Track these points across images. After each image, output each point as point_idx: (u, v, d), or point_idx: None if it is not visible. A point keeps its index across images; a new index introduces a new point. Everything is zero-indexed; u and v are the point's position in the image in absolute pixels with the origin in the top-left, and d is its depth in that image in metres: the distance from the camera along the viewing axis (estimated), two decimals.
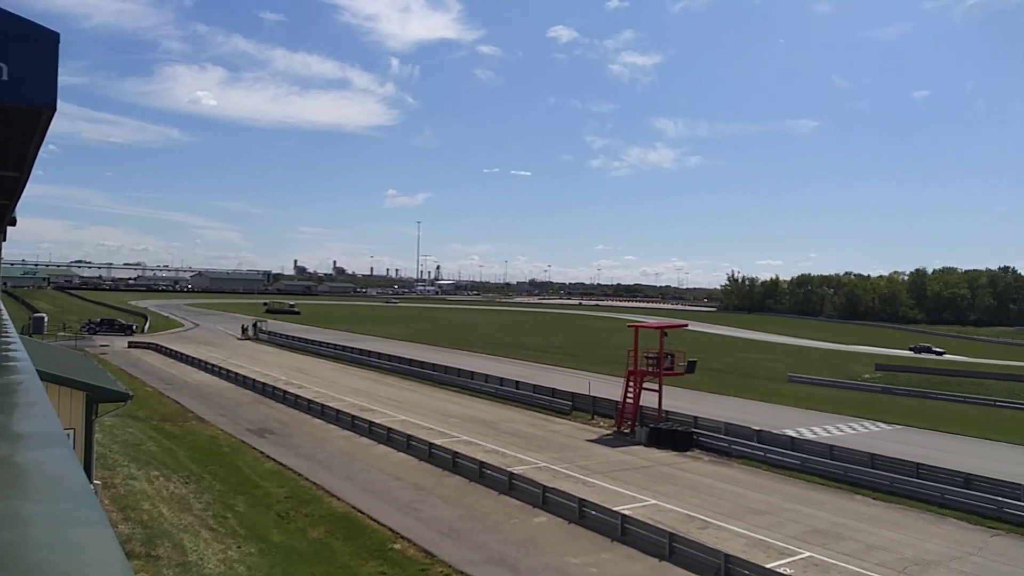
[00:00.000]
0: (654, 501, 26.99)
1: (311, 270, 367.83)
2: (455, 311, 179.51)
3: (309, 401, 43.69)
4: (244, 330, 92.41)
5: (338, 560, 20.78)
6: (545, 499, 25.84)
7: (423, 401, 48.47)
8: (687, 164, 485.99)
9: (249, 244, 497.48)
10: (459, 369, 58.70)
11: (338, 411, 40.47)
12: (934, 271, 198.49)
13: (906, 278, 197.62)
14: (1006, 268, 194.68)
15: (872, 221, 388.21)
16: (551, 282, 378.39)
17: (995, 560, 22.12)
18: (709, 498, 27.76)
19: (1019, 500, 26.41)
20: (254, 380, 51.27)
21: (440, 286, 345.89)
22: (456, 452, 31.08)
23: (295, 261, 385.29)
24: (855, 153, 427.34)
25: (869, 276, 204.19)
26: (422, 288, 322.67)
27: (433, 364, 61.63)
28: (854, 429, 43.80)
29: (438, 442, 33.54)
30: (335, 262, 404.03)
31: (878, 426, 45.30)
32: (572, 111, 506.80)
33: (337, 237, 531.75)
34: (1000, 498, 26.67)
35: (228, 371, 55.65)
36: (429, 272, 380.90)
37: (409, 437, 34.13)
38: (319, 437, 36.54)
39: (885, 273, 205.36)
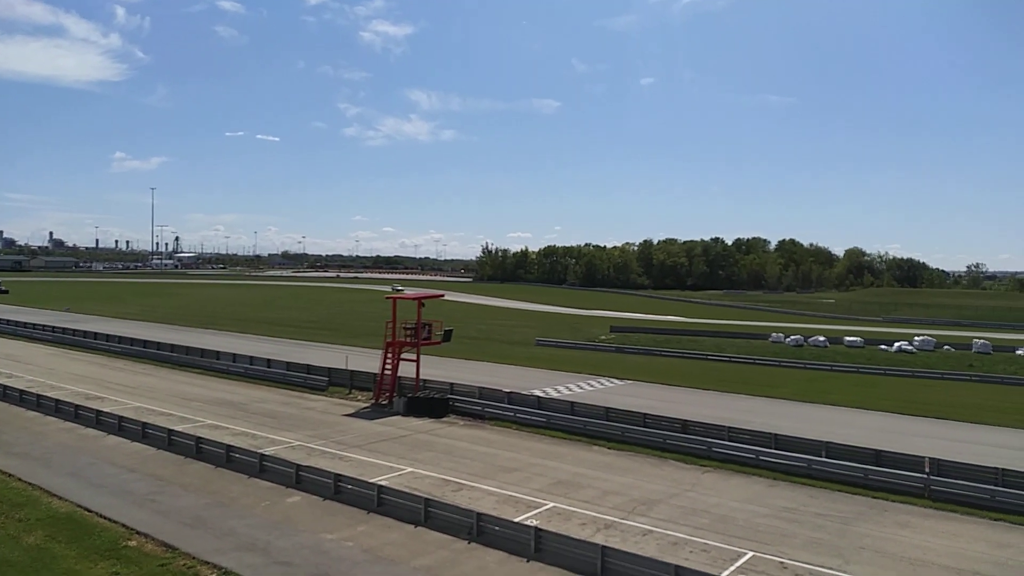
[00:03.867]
0: (411, 469, 27.35)
1: (22, 243, 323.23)
2: (198, 286, 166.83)
3: (21, 392, 38.29)
4: None
5: (60, 566, 18.53)
6: (299, 478, 25.09)
7: (160, 385, 44.57)
8: (442, 137, 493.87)
9: None
10: (202, 349, 54.78)
11: (58, 401, 35.93)
12: (659, 242, 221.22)
13: (636, 248, 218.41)
14: (716, 239, 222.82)
15: (608, 196, 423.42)
16: (306, 254, 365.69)
17: (705, 493, 25.42)
18: (464, 461, 28.74)
19: (725, 440, 30.55)
20: None
21: (180, 259, 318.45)
22: (200, 437, 29.05)
23: (0, 232, 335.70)
24: (593, 133, 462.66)
25: (605, 247, 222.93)
26: (158, 262, 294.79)
27: (172, 345, 56.82)
28: (592, 386, 47.75)
29: (179, 428, 31.12)
30: (51, 233, 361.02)
31: (613, 382, 49.80)
32: (323, 77, 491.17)
33: (53, 205, 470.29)
34: (710, 439, 30.67)
35: None
36: (167, 244, 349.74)
37: (145, 425, 31.27)
38: (35, 431, 32.20)
39: (619, 244, 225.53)
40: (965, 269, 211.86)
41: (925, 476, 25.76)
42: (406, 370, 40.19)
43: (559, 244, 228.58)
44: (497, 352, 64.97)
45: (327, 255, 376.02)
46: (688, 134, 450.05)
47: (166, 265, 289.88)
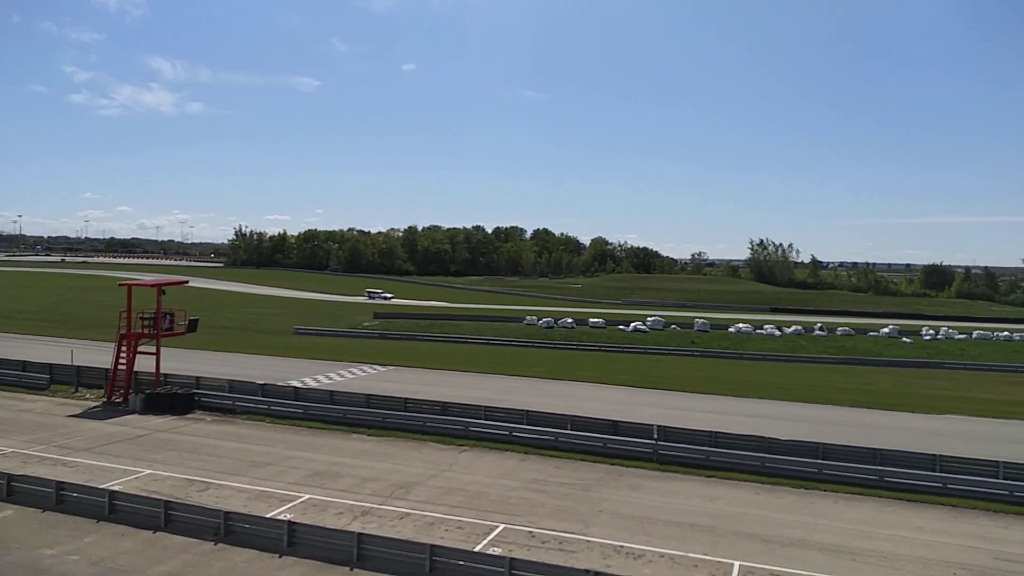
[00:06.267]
0: (150, 471, 25.11)
1: None
2: None
3: None
4: None
5: None
6: (11, 489, 21.98)
7: None
8: (188, 110, 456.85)
9: None
10: None
11: None
12: (423, 228, 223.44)
13: (401, 234, 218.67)
14: (478, 227, 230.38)
15: (372, 181, 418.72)
16: (23, 235, 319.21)
17: (462, 472, 26.21)
18: (211, 458, 26.96)
19: (481, 419, 31.70)
20: None
21: None
22: None
23: None
24: (355, 115, 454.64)
25: (370, 232, 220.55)
26: None
27: None
28: (354, 373, 47.13)
29: None
30: None
31: (375, 368, 49.54)
32: (45, 35, 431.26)
33: None
34: (467, 419, 31.67)
35: None
36: None
37: None
38: None
39: (384, 229, 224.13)
40: (690, 257, 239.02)
41: (653, 442, 28.73)
42: (146, 364, 36.77)
43: (321, 228, 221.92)
44: (251, 342, 61.75)
45: (50, 236, 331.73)
46: (449, 123, 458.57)
47: None
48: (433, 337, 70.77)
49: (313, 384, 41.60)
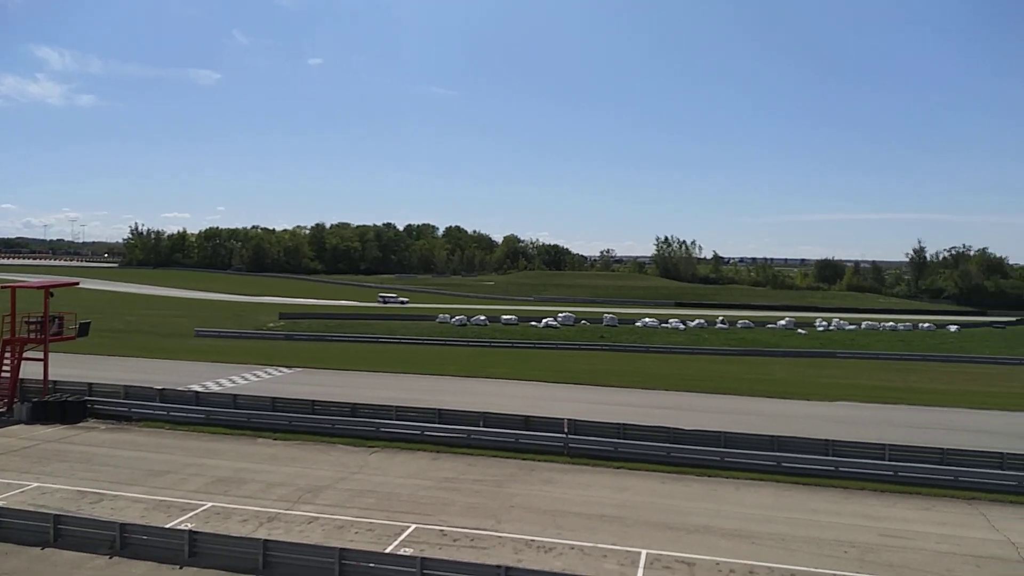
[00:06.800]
0: (37, 484, 23.62)
1: None
2: None
3: None
4: None
5: None
6: None
7: None
8: (79, 103, 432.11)
9: None
10: None
11: None
12: (331, 226, 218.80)
13: (308, 232, 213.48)
14: (389, 224, 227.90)
15: (276, 177, 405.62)
16: None
17: (372, 473, 25.84)
18: (105, 468, 25.60)
19: (393, 419, 31.33)
20: None
21: None
22: None
23: None
24: (258, 110, 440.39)
25: (275, 230, 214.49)
26: None
27: None
28: (259, 376, 45.75)
29: None
30: None
31: (281, 371, 48.24)
32: None
33: None
34: (378, 420, 31.26)
35: None
36: None
37: None
38: None
39: (290, 227, 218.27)
40: (599, 254, 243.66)
41: (564, 435, 29.13)
42: (34, 371, 34.60)
43: (223, 226, 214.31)
44: (149, 346, 59.04)
45: None
46: (358, 119, 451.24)
47: None
48: (343, 337, 69.50)
49: (216, 388, 40.15)
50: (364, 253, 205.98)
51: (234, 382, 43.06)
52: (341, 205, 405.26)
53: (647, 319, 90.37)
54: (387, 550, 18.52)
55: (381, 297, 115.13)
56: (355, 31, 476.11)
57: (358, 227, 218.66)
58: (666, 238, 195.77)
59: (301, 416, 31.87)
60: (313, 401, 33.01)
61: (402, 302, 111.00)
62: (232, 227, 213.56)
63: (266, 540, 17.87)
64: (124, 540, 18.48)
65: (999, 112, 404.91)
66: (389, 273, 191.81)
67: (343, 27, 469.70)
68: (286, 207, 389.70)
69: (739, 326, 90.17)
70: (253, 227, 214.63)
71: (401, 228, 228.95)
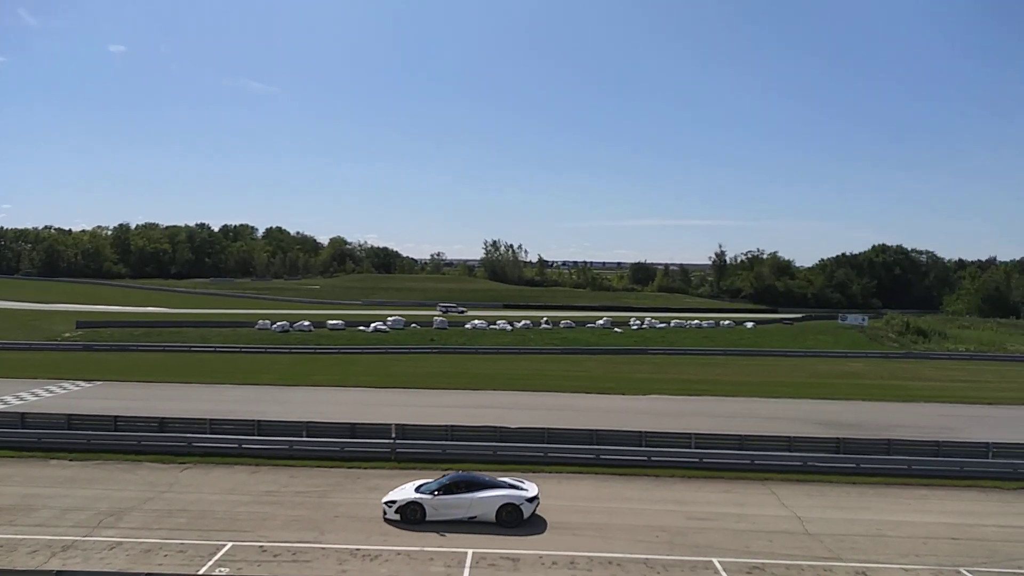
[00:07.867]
0: None
1: None
2: None
3: None
4: None
5: None
6: None
7: None
8: None
9: None
10: None
11: None
12: (137, 227, 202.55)
13: (110, 233, 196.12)
14: (202, 225, 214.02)
15: (73, 174, 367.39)
16: None
17: (184, 491, 24.17)
18: None
19: (207, 433, 29.48)
20: None
21: None
22: None
23: None
24: (50, 98, 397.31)
25: (71, 231, 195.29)
26: None
27: None
28: (53, 392, 41.46)
29: None
30: None
31: (79, 385, 44.03)
32: None
33: None
34: (190, 434, 29.29)
35: None
36: None
37: None
38: None
39: (89, 227, 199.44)
40: (429, 257, 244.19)
41: (392, 441, 28.86)
42: None
43: (8, 227, 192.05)
44: None
45: None
46: (166, 111, 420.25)
47: None
48: (151, 347, 64.53)
49: (1, 407, 35.91)
50: (175, 256, 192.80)
51: (22, 399, 38.73)
52: (148, 204, 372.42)
53: (476, 321, 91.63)
54: (200, 571, 17.43)
55: (441, 307, 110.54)
56: (162, 18, 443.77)
57: (168, 227, 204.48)
58: (494, 242, 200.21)
59: (101, 434, 29.19)
60: (116, 417, 30.33)
61: (461, 311, 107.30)
62: (21, 227, 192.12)
63: (59, 572, 16.19)
64: None
65: (769, 134, 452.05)
66: (203, 277, 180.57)
67: (148, 13, 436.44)
68: (85, 206, 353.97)
69: (562, 326, 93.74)
70: (45, 227, 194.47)
71: (216, 229, 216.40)
